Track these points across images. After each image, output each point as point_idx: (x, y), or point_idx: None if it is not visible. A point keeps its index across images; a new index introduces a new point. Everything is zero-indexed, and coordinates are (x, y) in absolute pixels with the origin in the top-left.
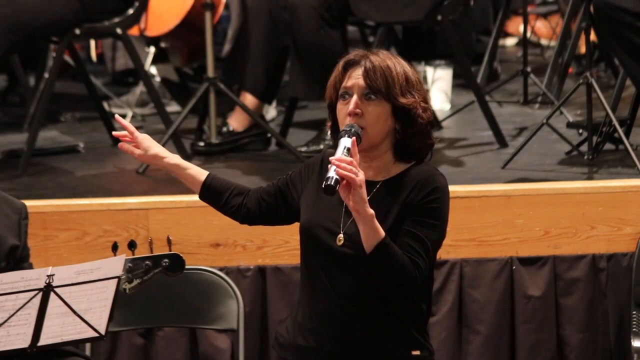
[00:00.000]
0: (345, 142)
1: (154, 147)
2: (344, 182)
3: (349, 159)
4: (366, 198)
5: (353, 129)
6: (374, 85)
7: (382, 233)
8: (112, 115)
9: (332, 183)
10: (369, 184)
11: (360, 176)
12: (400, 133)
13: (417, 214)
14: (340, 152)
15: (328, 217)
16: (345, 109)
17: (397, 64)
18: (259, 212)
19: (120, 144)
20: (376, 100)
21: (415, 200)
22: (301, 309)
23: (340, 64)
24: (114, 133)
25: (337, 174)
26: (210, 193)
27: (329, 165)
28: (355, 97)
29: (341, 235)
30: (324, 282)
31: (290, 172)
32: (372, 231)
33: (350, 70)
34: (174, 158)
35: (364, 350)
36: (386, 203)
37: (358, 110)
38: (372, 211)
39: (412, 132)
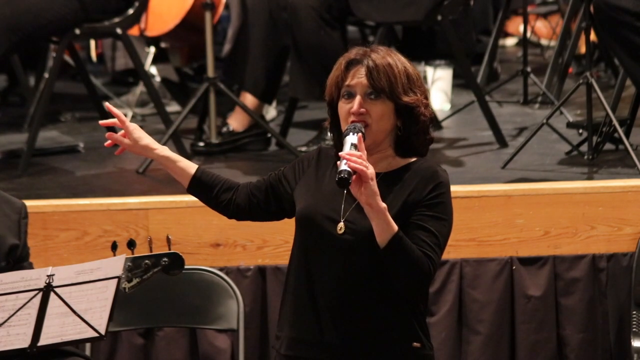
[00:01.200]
0: (352, 139)
1: (145, 138)
2: (355, 176)
3: (358, 153)
4: (378, 191)
5: (357, 127)
6: (377, 84)
7: (395, 226)
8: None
9: (346, 175)
10: None
11: (371, 169)
12: (403, 131)
13: (425, 209)
14: (347, 149)
15: (327, 206)
16: (347, 108)
17: (398, 62)
18: (248, 207)
19: (108, 134)
20: (379, 100)
21: (419, 197)
22: (297, 301)
23: (343, 62)
24: (101, 122)
25: (349, 167)
26: (200, 186)
27: (338, 162)
28: (358, 97)
29: (342, 223)
30: (323, 272)
31: (282, 168)
32: (386, 225)
33: (352, 68)
34: (163, 150)
35: (365, 341)
36: (387, 196)
37: (362, 110)
38: (384, 204)
39: (415, 129)
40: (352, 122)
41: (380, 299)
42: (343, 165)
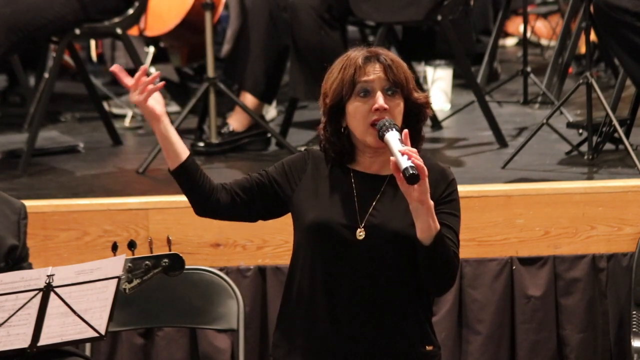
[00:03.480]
0: (396, 135)
1: (160, 105)
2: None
3: (414, 149)
4: (429, 189)
5: (391, 123)
6: (397, 79)
7: (438, 224)
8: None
9: (416, 172)
10: (378, 178)
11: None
12: (407, 128)
13: (442, 207)
14: (399, 145)
15: (340, 213)
16: (367, 106)
17: (402, 61)
18: (231, 204)
19: (140, 73)
20: (395, 96)
21: (436, 196)
22: (312, 312)
23: (360, 59)
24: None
25: (414, 163)
26: (189, 171)
27: (392, 158)
28: (379, 92)
29: (361, 229)
30: (342, 280)
31: (265, 170)
32: (432, 222)
33: (367, 65)
34: (169, 126)
35: (381, 347)
36: (401, 197)
37: (386, 106)
38: (432, 202)
39: (418, 128)
40: (374, 120)
41: (401, 304)
42: (406, 162)
